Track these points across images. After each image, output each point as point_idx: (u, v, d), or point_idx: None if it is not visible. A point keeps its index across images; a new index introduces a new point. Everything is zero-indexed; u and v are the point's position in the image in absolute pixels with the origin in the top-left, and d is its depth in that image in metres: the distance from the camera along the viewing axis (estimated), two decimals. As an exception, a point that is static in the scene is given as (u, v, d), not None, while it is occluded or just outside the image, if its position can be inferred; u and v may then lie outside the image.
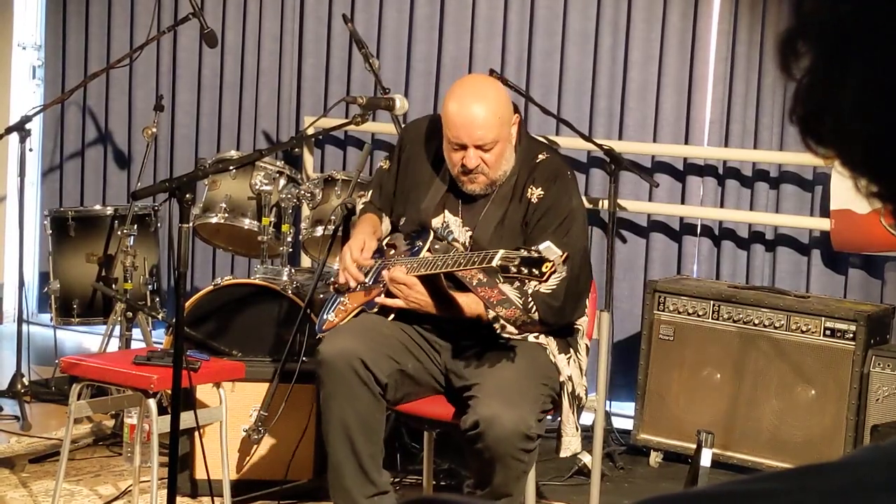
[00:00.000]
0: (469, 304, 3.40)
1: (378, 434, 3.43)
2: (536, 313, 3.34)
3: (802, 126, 0.63)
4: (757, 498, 0.57)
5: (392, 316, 3.50)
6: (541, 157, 3.51)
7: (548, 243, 3.06)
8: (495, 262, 3.10)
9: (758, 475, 0.59)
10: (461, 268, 3.28)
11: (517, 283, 3.24)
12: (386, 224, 3.68)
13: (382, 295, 3.49)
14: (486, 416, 3.20)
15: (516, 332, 3.39)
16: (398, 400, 3.48)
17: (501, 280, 3.30)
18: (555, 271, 3.05)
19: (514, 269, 3.06)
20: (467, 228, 3.50)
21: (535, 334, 3.44)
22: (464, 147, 3.40)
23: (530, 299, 3.33)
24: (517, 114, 3.52)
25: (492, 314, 3.36)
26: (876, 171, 0.61)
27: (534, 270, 3.04)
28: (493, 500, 3.28)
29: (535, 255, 3.04)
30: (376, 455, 3.43)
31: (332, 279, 3.73)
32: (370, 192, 3.75)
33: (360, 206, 3.75)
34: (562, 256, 3.04)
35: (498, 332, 3.41)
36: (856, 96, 0.59)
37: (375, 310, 3.50)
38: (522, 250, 3.09)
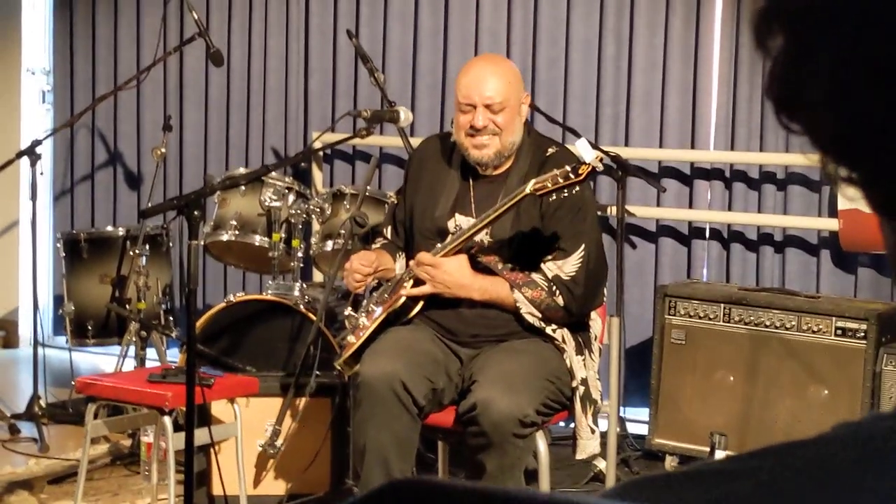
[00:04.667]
0: (495, 283, 3.44)
1: (412, 453, 3.43)
2: (560, 298, 3.40)
3: (776, 104, 0.64)
4: (734, 476, 0.59)
5: (417, 308, 3.51)
6: (550, 150, 3.56)
7: (583, 140, 3.14)
8: (529, 189, 3.27)
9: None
10: (490, 217, 3.36)
11: (554, 196, 3.32)
12: (400, 263, 3.69)
13: (407, 287, 3.50)
14: (482, 398, 3.23)
15: (539, 315, 3.41)
16: (426, 415, 3.49)
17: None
18: (593, 170, 3.20)
19: (550, 185, 3.24)
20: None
21: (555, 328, 3.46)
22: (473, 107, 3.46)
23: (552, 283, 3.40)
24: (528, 93, 3.62)
25: (517, 295, 3.40)
26: (842, 155, 0.62)
27: (571, 176, 3.22)
28: None
29: (569, 167, 3.22)
30: (406, 472, 3.44)
31: (347, 313, 3.72)
32: (386, 229, 3.78)
33: (375, 247, 3.76)
34: (598, 157, 3.15)
35: (522, 311, 3.43)
36: (824, 84, 0.61)
37: (400, 303, 3.50)
38: (555, 170, 3.26)
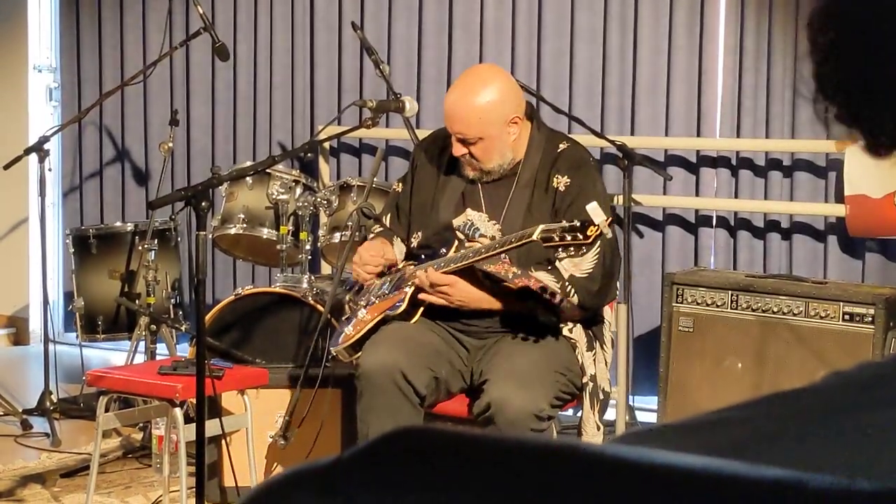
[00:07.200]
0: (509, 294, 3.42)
1: None
2: (576, 297, 3.37)
3: (808, 34, 0.67)
4: (731, 424, 0.60)
5: (418, 315, 3.51)
6: (562, 146, 3.54)
7: (594, 204, 3.09)
8: (536, 235, 3.15)
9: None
10: (496, 251, 3.30)
11: (561, 252, 3.25)
12: (398, 248, 3.69)
13: (406, 298, 3.49)
14: (497, 397, 3.22)
15: (555, 318, 3.41)
16: (430, 405, 3.50)
17: (533, 270, 3.34)
18: (601, 234, 3.10)
19: (556, 238, 3.12)
20: (494, 222, 3.52)
21: (569, 327, 3.45)
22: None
23: (567, 284, 3.36)
24: (529, 103, 3.56)
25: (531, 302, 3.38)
26: (842, 100, 0.64)
27: (578, 235, 3.10)
28: None
29: (578, 222, 3.10)
30: None
31: (348, 299, 3.73)
32: (385, 217, 3.77)
33: (371, 236, 3.76)
34: (607, 220, 3.08)
35: (540, 318, 3.40)
36: (835, 38, 0.63)
37: (401, 309, 3.51)
38: (564, 221, 3.15)
